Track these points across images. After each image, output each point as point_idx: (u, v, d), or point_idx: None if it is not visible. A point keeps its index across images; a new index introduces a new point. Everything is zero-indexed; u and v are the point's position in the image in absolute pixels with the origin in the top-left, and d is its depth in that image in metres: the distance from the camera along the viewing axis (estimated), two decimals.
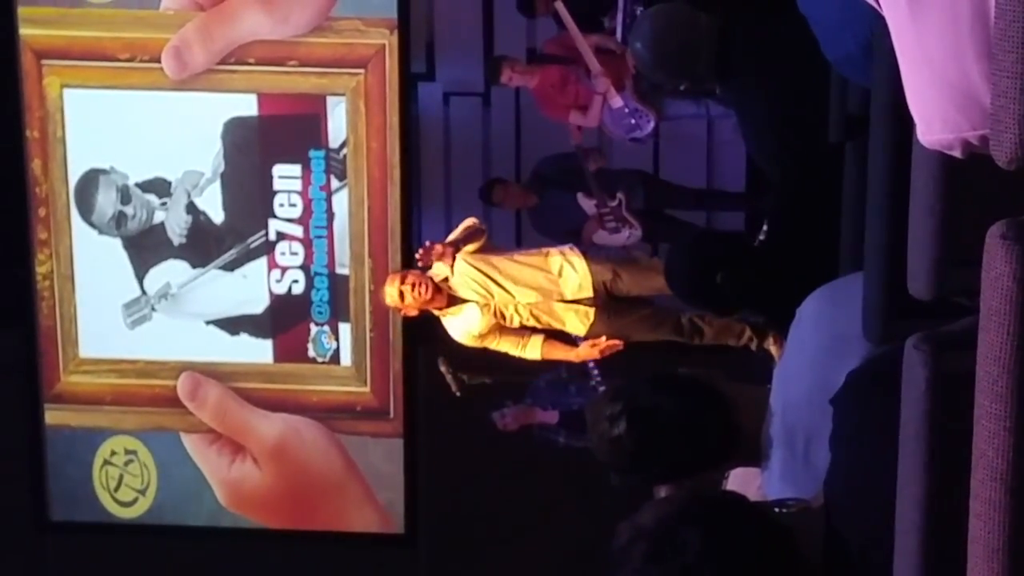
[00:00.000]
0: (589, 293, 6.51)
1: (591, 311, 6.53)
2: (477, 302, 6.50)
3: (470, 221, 6.68)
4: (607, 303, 6.56)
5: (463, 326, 6.58)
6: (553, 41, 7.88)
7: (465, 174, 8.46)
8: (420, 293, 6.44)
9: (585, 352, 6.67)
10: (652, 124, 7.59)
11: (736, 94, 4.58)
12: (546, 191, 7.75)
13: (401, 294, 6.47)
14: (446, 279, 6.52)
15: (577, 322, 6.57)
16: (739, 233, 7.63)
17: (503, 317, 6.54)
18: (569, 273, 6.51)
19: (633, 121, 7.52)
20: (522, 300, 6.51)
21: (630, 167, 8.03)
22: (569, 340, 6.74)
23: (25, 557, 8.63)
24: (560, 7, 7.35)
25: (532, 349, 6.63)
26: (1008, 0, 1.58)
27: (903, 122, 2.04)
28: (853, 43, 3.20)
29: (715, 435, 2.89)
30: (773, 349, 6.28)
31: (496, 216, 8.22)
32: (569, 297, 6.52)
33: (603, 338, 6.57)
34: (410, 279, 6.47)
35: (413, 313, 6.66)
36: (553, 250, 6.64)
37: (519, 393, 7.56)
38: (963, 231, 2.02)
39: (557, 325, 6.61)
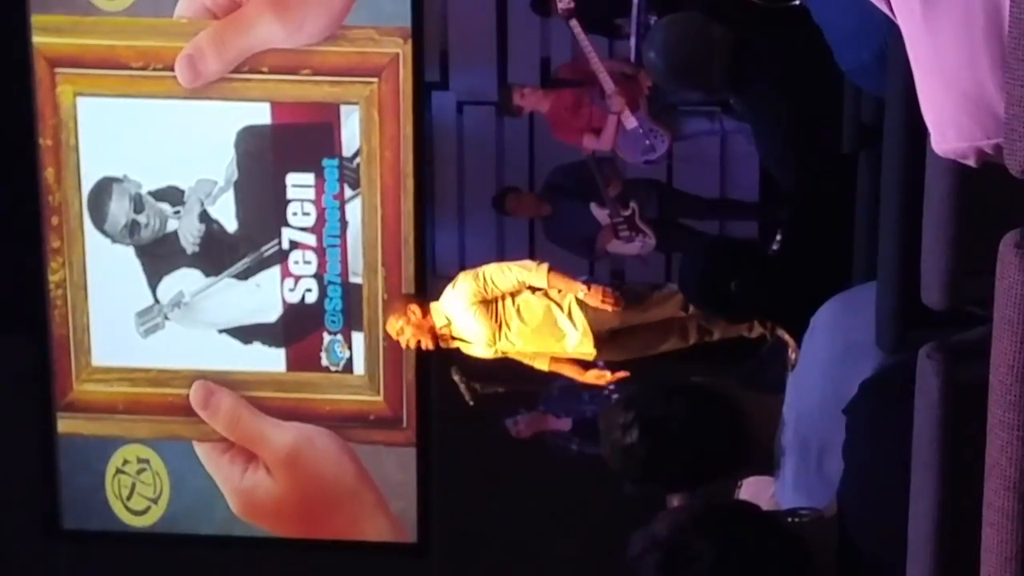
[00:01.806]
0: (589, 348, 6.61)
1: (593, 352, 6.66)
2: (481, 342, 6.65)
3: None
4: (613, 337, 6.63)
5: (471, 350, 6.73)
6: (567, 66, 7.88)
7: (478, 183, 8.45)
8: (415, 346, 6.72)
9: (591, 379, 6.85)
10: (666, 145, 7.55)
11: (750, 104, 4.58)
12: (559, 200, 7.74)
13: (399, 334, 6.72)
14: (447, 323, 6.64)
15: (580, 356, 6.72)
16: (753, 241, 7.62)
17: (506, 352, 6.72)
18: (569, 330, 6.59)
19: (648, 142, 7.49)
20: (525, 350, 6.66)
21: (644, 177, 8.02)
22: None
23: (37, 566, 8.62)
24: (575, 26, 7.31)
25: (541, 363, 6.78)
26: (1022, 10, 1.58)
27: (917, 131, 2.04)
28: (867, 53, 3.20)
29: (727, 444, 2.89)
30: (787, 338, 6.27)
31: (509, 225, 8.22)
32: (569, 351, 6.65)
33: (606, 372, 6.78)
34: (407, 335, 6.67)
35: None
36: (556, 305, 6.64)
37: (532, 401, 7.56)
38: (976, 240, 2.02)
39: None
